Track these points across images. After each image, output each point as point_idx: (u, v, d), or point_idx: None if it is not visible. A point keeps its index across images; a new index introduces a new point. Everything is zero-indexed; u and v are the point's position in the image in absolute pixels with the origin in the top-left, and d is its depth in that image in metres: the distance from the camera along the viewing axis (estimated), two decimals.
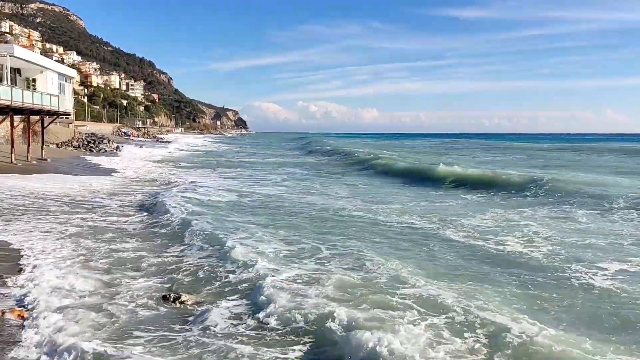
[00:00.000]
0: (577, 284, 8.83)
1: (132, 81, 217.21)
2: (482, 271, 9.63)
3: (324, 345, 6.33)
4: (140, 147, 60.53)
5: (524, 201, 19.47)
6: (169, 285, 8.79)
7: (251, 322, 7.04)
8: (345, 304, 7.37)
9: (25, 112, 32.04)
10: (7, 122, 31.91)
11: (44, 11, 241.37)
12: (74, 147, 46.34)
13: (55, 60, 56.84)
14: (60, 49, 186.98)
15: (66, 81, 43.16)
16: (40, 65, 36.65)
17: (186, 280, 9.08)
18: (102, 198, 19.00)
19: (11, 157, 29.29)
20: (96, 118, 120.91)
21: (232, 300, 7.95)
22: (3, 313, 7.03)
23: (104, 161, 37.23)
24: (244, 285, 8.56)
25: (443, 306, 7.33)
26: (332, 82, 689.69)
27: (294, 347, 6.29)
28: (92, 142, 50.69)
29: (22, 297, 7.80)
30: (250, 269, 9.24)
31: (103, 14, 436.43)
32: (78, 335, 6.30)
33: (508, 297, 8.09)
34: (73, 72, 48.35)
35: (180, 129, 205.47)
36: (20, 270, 9.17)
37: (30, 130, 33.99)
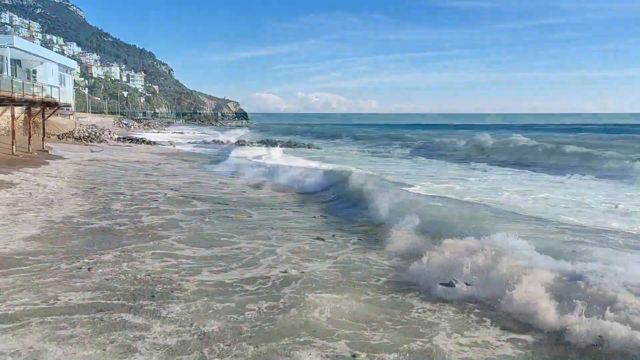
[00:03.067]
0: None
1: (133, 72, 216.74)
2: None
3: None
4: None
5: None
6: None
7: None
8: None
9: (26, 103, 31.98)
10: (8, 114, 31.86)
11: (43, 2, 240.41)
12: (75, 138, 46.29)
13: (56, 52, 56.62)
14: (61, 40, 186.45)
15: (66, 72, 43.07)
16: (40, 57, 36.58)
17: None
18: None
19: (12, 149, 29.27)
20: (97, 109, 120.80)
21: None
22: None
23: None
24: None
25: None
26: (332, 73, 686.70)
27: None
28: (93, 133, 50.65)
29: None
30: None
31: (102, 5, 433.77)
32: None
33: None
34: (73, 64, 48.25)
35: (181, 120, 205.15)
36: None
37: (30, 121, 33.94)
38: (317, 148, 50.38)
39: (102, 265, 9.13)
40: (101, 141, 47.60)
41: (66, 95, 39.59)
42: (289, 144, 53.96)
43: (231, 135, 72.88)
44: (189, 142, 60.43)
